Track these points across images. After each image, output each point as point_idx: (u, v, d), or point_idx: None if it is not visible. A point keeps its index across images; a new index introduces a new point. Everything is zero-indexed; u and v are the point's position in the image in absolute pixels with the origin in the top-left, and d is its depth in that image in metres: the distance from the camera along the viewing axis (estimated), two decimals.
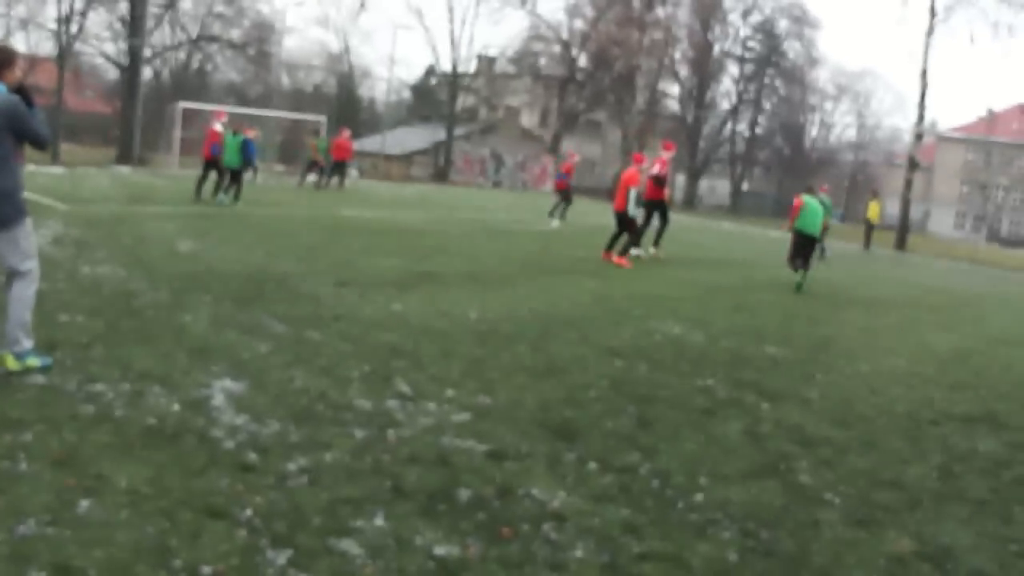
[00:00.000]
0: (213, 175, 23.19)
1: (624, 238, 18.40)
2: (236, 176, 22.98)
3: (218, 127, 22.96)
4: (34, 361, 6.59)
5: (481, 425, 6.60)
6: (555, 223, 27.37)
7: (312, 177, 32.97)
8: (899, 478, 6.61)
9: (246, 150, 23.08)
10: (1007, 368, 11.85)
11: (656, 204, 20.44)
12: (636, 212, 18.15)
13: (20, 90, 6.42)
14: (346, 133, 33.34)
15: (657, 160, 20.69)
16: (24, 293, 6.61)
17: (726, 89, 76.22)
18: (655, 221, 20.63)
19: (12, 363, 6.48)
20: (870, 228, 36.00)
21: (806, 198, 18.42)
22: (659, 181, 20.15)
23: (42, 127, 6.45)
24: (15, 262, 6.57)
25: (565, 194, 28.77)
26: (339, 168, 33.24)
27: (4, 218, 6.39)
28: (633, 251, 19.36)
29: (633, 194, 17.68)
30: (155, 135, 42.36)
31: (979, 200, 78.16)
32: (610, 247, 18.51)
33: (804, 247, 18.16)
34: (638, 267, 17.69)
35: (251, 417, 6.08)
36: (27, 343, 6.59)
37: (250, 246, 14.40)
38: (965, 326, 15.71)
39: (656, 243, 20.75)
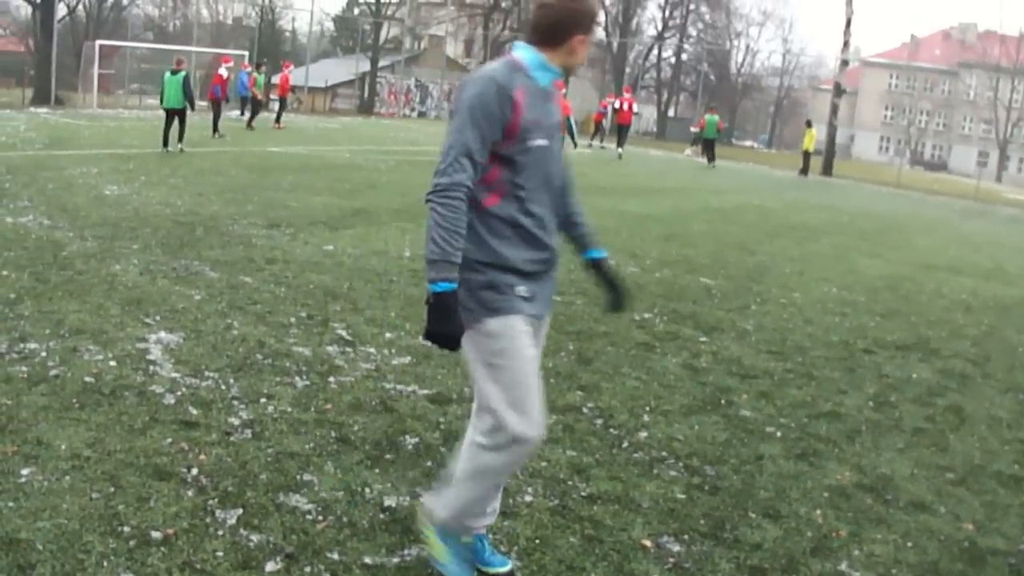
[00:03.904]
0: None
1: None
2: (182, 116, 21.13)
3: (223, 72, 22.21)
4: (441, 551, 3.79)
5: (422, 368, 6.57)
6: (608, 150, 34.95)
7: (245, 114, 32.13)
8: (837, 409, 6.72)
9: (187, 88, 21.17)
10: (936, 294, 12.06)
11: (627, 127, 35.44)
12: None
13: None
14: (288, 68, 33.04)
15: (626, 99, 35.35)
16: (475, 461, 3.62)
17: (651, 15, 76.17)
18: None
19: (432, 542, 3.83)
20: (807, 156, 37.94)
21: (707, 117, 36.14)
22: (635, 113, 37.15)
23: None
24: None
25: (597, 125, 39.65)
26: (280, 103, 32.88)
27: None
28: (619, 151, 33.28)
29: (570, 123, 16.90)
30: (72, 74, 41.19)
31: (902, 125, 79.09)
32: None
33: (707, 146, 35.69)
34: None
35: (190, 370, 5.96)
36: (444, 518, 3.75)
37: (177, 188, 14.11)
38: (893, 252, 15.97)
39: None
